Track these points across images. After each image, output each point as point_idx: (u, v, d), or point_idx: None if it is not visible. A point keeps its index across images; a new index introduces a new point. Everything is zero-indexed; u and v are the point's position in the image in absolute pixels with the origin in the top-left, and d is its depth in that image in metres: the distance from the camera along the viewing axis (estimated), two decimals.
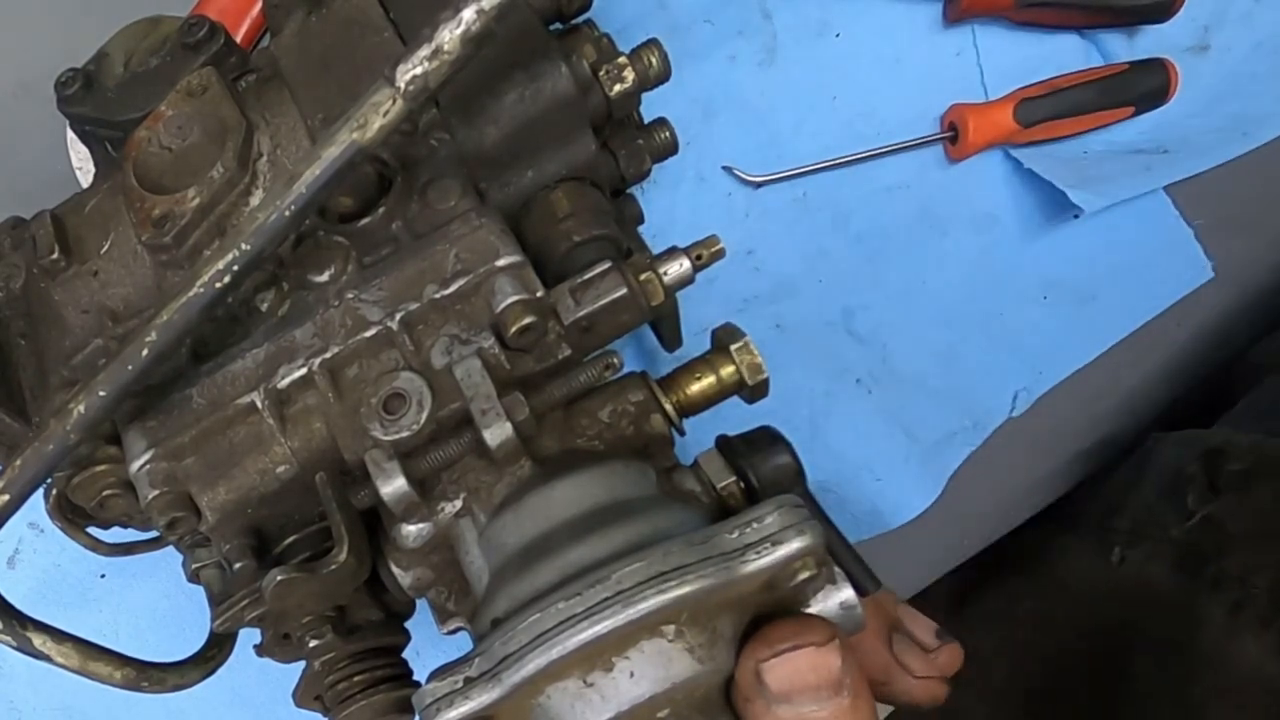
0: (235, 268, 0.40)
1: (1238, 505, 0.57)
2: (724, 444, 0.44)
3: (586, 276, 0.44)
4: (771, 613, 0.37)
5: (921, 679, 0.54)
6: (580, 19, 0.51)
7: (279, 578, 0.40)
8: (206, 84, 0.46)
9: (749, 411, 0.47)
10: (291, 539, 0.45)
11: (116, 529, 0.50)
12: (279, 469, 0.43)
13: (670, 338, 0.60)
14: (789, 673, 0.35)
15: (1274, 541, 0.55)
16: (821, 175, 0.71)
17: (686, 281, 0.47)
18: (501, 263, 0.43)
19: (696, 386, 0.46)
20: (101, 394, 0.40)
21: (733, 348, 0.46)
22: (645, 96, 0.51)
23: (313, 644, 0.45)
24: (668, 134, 0.55)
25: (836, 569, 0.38)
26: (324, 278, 0.45)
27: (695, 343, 0.52)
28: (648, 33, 0.51)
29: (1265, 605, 0.54)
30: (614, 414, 0.44)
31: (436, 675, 0.36)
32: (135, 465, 0.43)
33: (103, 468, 0.46)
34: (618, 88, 0.48)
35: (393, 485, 0.40)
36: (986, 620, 0.71)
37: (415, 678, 0.49)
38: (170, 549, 0.50)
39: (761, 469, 0.43)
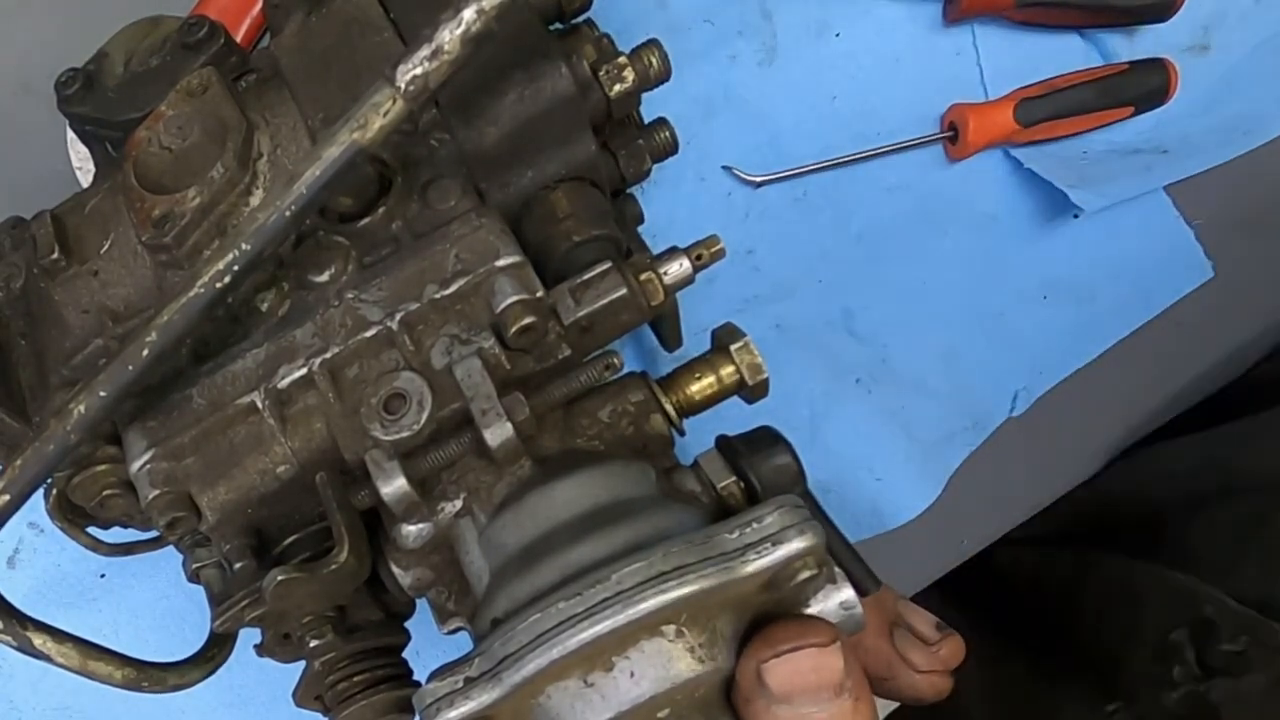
0: (235, 268, 0.40)
1: (1231, 691, 0.56)
2: (724, 444, 0.44)
3: (586, 276, 0.44)
4: (772, 613, 0.37)
5: (925, 673, 0.54)
6: (580, 19, 0.51)
7: (279, 578, 0.40)
8: (206, 84, 0.46)
9: (749, 411, 0.47)
10: (291, 539, 0.45)
11: (116, 529, 0.50)
12: (279, 469, 0.43)
13: (670, 338, 0.60)
14: (790, 673, 0.35)
15: None
16: (821, 175, 0.71)
17: (686, 281, 0.47)
18: (501, 263, 0.43)
19: (696, 386, 0.46)
20: (102, 394, 0.40)
21: (733, 348, 0.46)
22: (645, 96, 0.51)
23: (313, 644, 0.45)
24: (668, 134, 0.55)
25: (837, 569, 0.38)
26: (324, 278, 0.45)
27: (695, 343, 0.52)
28: (648, 33, 0.51)
29: None
30: (614, 414, 0.44)
31: (437, 675, 0.36)
32: (135, 465, 0.43)
33: (103, 468, 0.46)
34: (618, 88, 0.48)
35: (393, 485, 0.40)
36: None
37: (415, 678, 0.49)
38: (170, 549, 0.50)
39: (761, 469, 0.43)
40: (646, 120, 0.55)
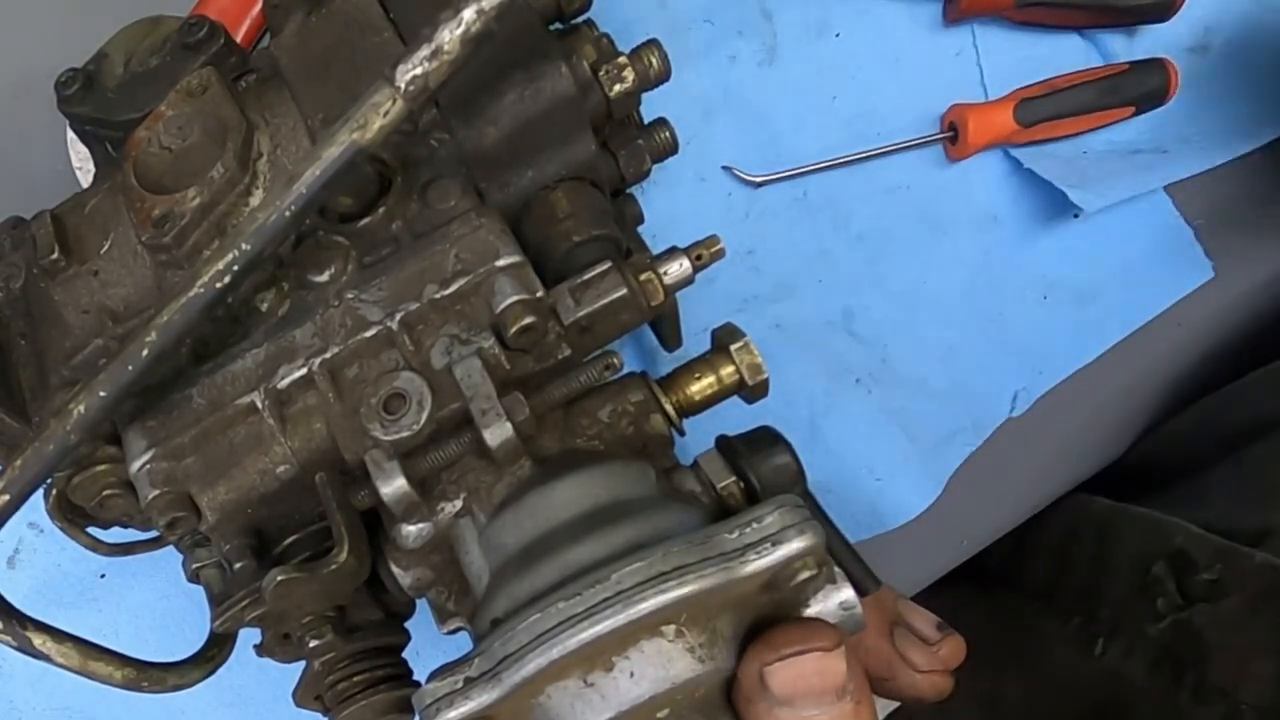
0: (235, 268, 0.40)
1: (1211, 615, 0.57)
2: (724, 444, 0.44)
3: (586, 276, 0.44)
4: (772, 613, 0.37)
5: (925, 673, 0.54)
6: (580, 19, 0.51)
7: (279, 578, 0.40)
8: (206, 84, 0.46)
9: (749, 411, 0.47)
10: (291, 539, 0.45)
11: (116, 529, 0.50)
12: (279, 469, 0.43)
13: (670, 338, 0.60)
14: (793, 677, 0.35)
15: (1254, 656, 0.56)
16: (821, 175, 0.71)
17: (686, 281, 0.47)
18: (501, 263, 0.43)
19: (696, 386, 0.46)
20: (102, 394, 0.40)
21: (733, 348, 0.46)
22: (645, 96, 0.51)
23: (313, 644, 0.45)
24: (668, 134, 0.55)
25: (836, 569, 0.38)
26: (324, 278, 0.45)
27: (695, 343, 0.52)
28: (648, 33, 0.51)
29: None
30: (614, 414, 0.44)
31: (436, 675, 0.36)
32: (135, 465, 0.43)
33: (103, 468, 0.46)
34: (618, 88, 0.48)
35: (393, 485, 0.40)
36: (974, 702, 0.70)
37: (415, 678, 0.49)
38: (170, 549, 0.50)
39: (761, 469, 0.43)
40: (646, 120, 0.55)
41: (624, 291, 0.44)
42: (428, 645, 0.54)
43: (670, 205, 0.69)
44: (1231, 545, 0.58)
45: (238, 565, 0.43)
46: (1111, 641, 0.62)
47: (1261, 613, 0.54)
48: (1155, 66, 0.71)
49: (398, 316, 0.43)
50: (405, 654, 0.50)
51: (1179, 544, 0.60)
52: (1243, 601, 0.56)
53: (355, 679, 0.46)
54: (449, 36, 0.38)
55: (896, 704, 0.64)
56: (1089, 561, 0.61)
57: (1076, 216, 0.72)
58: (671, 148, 0.55)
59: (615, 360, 0.44)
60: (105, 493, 0.46)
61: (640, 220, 0.60)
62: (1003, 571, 0.67)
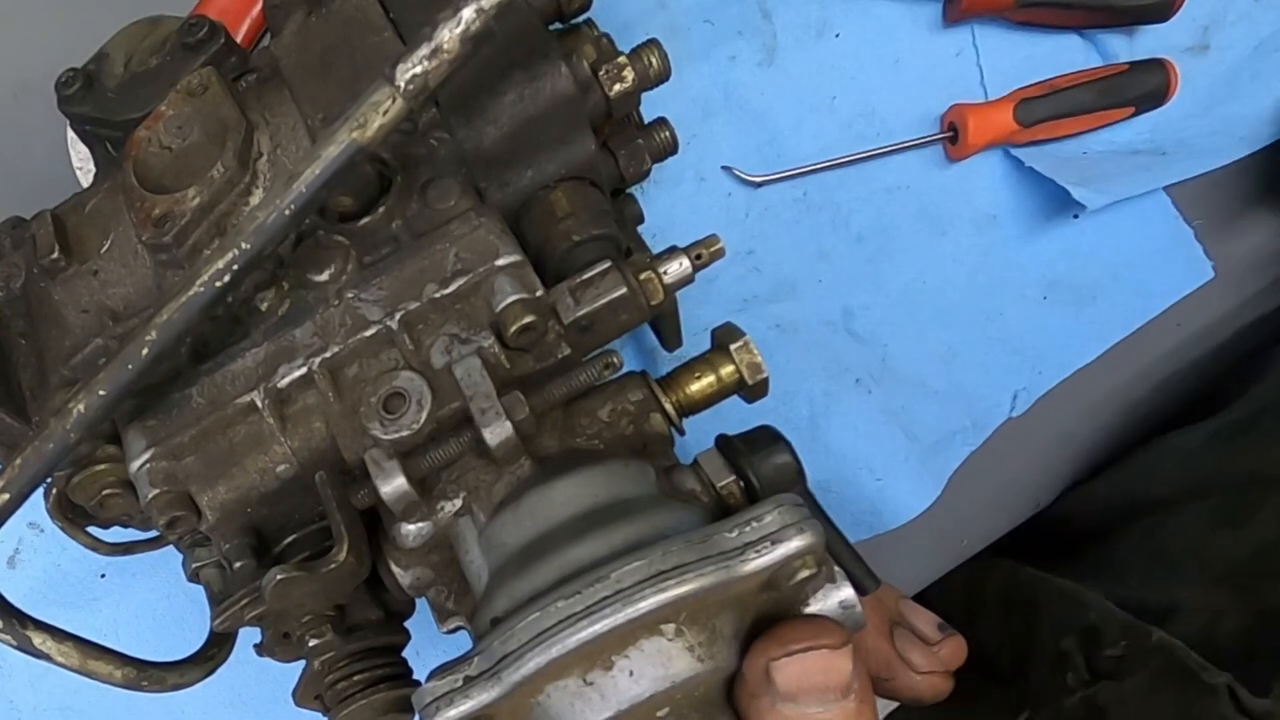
0: (235, 267, 0.40)
1: (1116, 692, 0.58)
2: (724, 443, 0.44)
3: (586, 276, 0.44)
4: (772, 612, 0.37)
5: (925, 674, 0.54)
6: (580, 18, 0.51)
7: (279, 577, 0.40)
8: (206, 84, 0.46)
9: (749, 411, 0.47)
10: (291, 538, 0.45)
11: (116, 529, 0.50)
12: (279, 468, 0.43)
13: (670, 337, 0.60)
14: (799, 673, 0.35)
15: None
16: (821, 175, 0.71)
17: (686, 281, 0.47)
18: (501, 262, 0.43)
19: (696, 386, 0.46)
20: (101, 393, 0.40)
21: (732, 347, 0.46)
22: (645, 96, 0.51)
23: (312, 643, 0.45)
24: (668, 134, 0.55)
25: (836, 568, 0.38)
26: (324, 277, 0.45)
27: (695, 342, 0.52)
28: (648, 33, 0.51)
29: None
30: (614, 413, 0.45)
31: (436, 674, 0.36)
32: (135, 464, 0.43)
33: (103, 467, 0.46)
34: (618, 87, 0.48)
35: (392, 484, 0.40)
36: None
37: (415, 677, 0.49)
38: (170, 549, 0.50)
39: (761, 468, 0.43)
40: (646, 120, 0.55)
41: (624, 291, 0.44)
42: (428, 644, 0.54)
43: (670, 205, 0.69)
44: (1136, 622, 0.58)
45: (237, 564, 0.43)
46: (1036, 713, 0.63)
47: (1161, 692, 0.55)
48: (1155, 66, 0.71)
49: (397, 316, 0.43)
50: (405, 653, 0.50)
51: (1091, 619, 0.61)
52: (1144, 680, 0.56)
53: (355, 678, 0.46)
54: (449, 35, 0.38)
55: (895, 704, 0.64)
56: (1020, 633, 0.61)
57: (1076, 217, 0.72)
58: (671, 148, 0.55)
59: (615, 359, 0.44)
60: (105, 492, 0.46)
61: (640, 220, 0.60)
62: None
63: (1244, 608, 0.57)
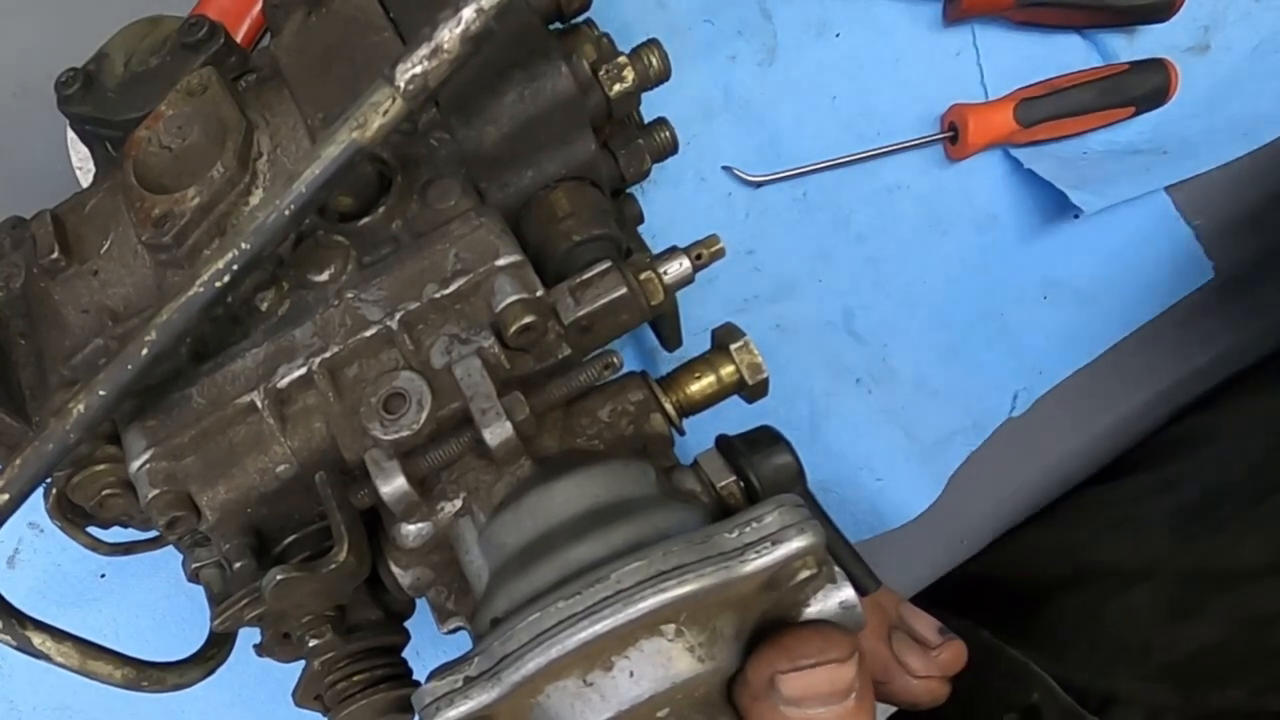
0: (235, 267, 0.40)
1: None
2: (724, 444, 0.44)
3: (586, 276, 0.44)
4: (772, 612, 0.37)
5: (922, 678, 0.54)
6: (580, 18, 0.51)
7: (279, 577, 0.40)
8: (206, 84, 0.46)
9: (749, 411, 0.47)
10: (291, 538, 0.45)
11: (116, 529, 0.50)
12: (279, 468, 0.43)
13: (670, 337, 0.60)
14: (806, 686, 0.35)
15: None
16: (821, 175, 0.71)
17: (686, 281, 0.47)
18: (501, 262, 0.43)
19: (696, 386, 0.46)
20: (101, 393, 0.40)
21: (733, 347, 0.46)
22: (645, 96, 0.51)
23: (312, 643, 0.45)
24: (668, 134, 0.55)
25: (836, 568, 0.38)
26: (324, 277, 0.45)
27: (695, 343, 0.52)
28: (648, 32, 0.51)
29: None
30: (614, 413, 0.45)
31: (436, 674, 0.36)
32: (135, 464, 0.43)
33: (103, 467, 0.46)
34: (618, 87, 0.48)
35: (392, 485, 0.40)
36: None
37: (415, 677, 0.49)
38: (170, 549, 0.50)
39: (761, 468, 0.43)
40: (646, 120, 0.55)
41: (624, 291, 0.44)
42: (428, 645, 0.54)
43: (670, 205, 0.69)
44: (1077, 709, 0.58)
45: (237, 565, 0.43)
46: None
47: None
48: (1155, 66, 0.71)
49: (397, 316, 0.43)
50: (405, 653, 0.50)
51: (1034, 699, 0.61)
52: None
53: (355, 678, 0.46)
54: (449, 36, 0.38)
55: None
56: (968, 693, 0.62)
57: (1076, 217, 0.72)
58: (671, 147, 0.55)
59: (615, 360, 0.44)
60: (105, 492, 0.46)
61: (640, 220, 0.60)
62: None
63: (1184, 708, 0.56)
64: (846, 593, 0.37)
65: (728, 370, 0.46)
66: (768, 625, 0.38)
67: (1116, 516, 0.70)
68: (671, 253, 0.47)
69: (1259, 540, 0.58)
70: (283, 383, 0.43)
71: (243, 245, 0.40)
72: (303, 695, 0.47)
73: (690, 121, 0.68)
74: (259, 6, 0.65)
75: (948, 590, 0.73)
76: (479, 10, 0.38)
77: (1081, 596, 0.67)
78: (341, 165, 0.39)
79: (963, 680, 0.59)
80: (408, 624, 0.50)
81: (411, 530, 0.43)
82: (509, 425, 0.40)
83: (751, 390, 0.46)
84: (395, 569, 0.44)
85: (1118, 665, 0.61)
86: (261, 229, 0.40)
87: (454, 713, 0.35)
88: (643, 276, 0.45)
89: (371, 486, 0.41)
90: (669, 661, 0.36)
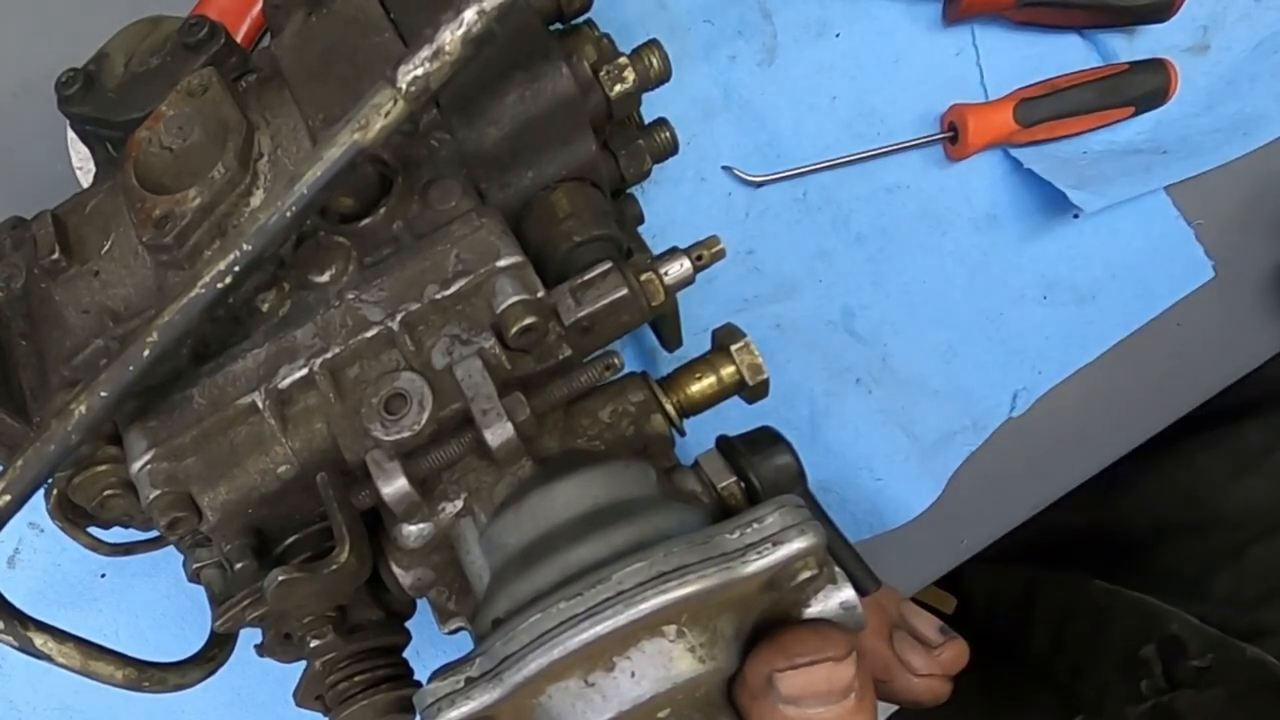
0: (236, 268, 0.40)
1: (1193, 702, 0.58)
2: (724, 444, 0.44)
3: (587, 276, 0.44)
4: (773, 612, 0.37)
5: (923, 677, 0.54)
6: (580, 19, 0.51)
7: (280, 578, 0.40)
8: (207, 84, 0.46)
9: (749, 411, 0.47)
10: (292, 539, 0.45)
11: (117, 529, 0.50)
12: (280, 469, 0.43)
13: (670, 338, 0.60)
14: (804, 684, 0.35)
15: None
16: (821, 175, 0.71)
17: (687, 282, 0.47)
18: (502, 263, 0.43)
19: (697, 386, 0.46)
20: (103, 394, 0.40)
21: (733, 348, 0.46)
22: (645, 96, 0.51)
23: (314, 644, 0.45)
24: (668, 134, 0.55)
25: (837, 569, 0.38)
26: (325, 278, 0.45)
27: (695, 343, 0.52)
28: (648, 33, 0.51)
29: None
30: (614, 414, 0.45)
31: (437, 675, 0.36)
32: (136, 465, 0.43)
33: (103, 468, 0.46)
34: (618, 88, 0.48)
35: (393, 485, 0.40)
36: None
37: (416, 678, 0.49)
38: (170, 549, 0.50)
39: (762, 469, 0.43)
40: (646, 120, 0.55)
41: (625, 291, 0.44)
42: (428, 645, 0.54)
43: (670, 205, 0.69)
44: (1226, 637, 0.58)
45: (238, 565, 0.43)
46: (1092, 718, 0.62)
47: (1244, 706, 0.55)
48: (1155, 66, 0.71)
49: (399, 317, 0.43)
50: (406, 654, 0.50)
51: (1173, 630, 0.61)
52: (1228, 692, 0.56)
53: (356, 679, 0.46)
54: (450, 37, 0.38)
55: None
56: (1082, 641, 0.62)
57: (1076, 217, 0.72)
58: (672, 148, 0.55)
59: (616, 360, 0.44)
60: (106, 493, 0.46)
61: (640, 220, 0.60)
62: (1007, 642, 0.68)
63: None
64: (847, 593, 0.38)
65: (728, 371, 0.46)
66: (768, 625, 0.38)
67: (1245, 462, 0.70)
68: (672, 253, 0.47)
69: None
70: (284, 383, 0.43)
71: (244, 246, 0.40)
72: (304, 695, 0.47)
73: (690, 121, 0.68)
74: (259, 6, 0.65)
75: (1040, 547, 0.73)
76: (480, 12, 0.38)
77: (1212, 540, 0.67)
78: (343, 166, 0.39)
79: (1075, 631, 0.60)
80: (409, 624, 0.50)
81: (412, 531, 0.43)
82: (510, 426, 0.40)
83: (752, 391, 0.46)
84: (396, 569, 0.44)
85: (1268, 603, 0.61)
86: (263, 230, 0.40)
87: (455, 713, 0.35)
88: (643, 277, 0.45)
89: (372, 487, 0.41)
90: (670, 662, 0.36)
